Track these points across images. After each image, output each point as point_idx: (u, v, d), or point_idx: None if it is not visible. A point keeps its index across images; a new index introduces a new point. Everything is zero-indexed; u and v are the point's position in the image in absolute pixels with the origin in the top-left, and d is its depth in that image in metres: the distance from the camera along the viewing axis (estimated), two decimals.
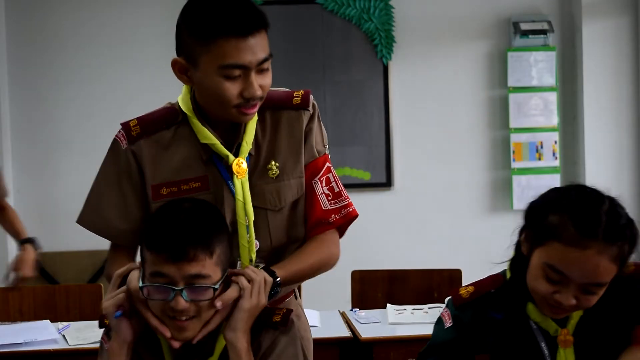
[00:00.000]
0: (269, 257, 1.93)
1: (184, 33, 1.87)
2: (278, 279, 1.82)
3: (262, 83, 1.82)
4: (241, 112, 1.83)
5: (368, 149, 4.87)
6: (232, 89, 1.80)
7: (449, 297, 1.94)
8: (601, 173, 4.83)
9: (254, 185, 1.90)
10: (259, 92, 1.81)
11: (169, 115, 1.94)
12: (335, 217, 1.97)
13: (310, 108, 1.97)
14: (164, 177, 1.90)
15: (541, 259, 1.69)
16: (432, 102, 4.94)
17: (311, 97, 1.99)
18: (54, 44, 4.82)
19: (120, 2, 4.84)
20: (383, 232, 4.88)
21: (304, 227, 1.99)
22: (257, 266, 1.86)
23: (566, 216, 1.66)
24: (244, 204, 1.87)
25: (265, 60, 1.82)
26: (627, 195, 4.87)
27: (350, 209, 1.99)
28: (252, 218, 1.89)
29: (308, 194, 1.97)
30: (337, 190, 1.99)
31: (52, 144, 4.82)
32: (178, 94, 1.98)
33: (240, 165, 1.88)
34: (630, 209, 5.19)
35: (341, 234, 2.02)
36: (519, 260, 1.79)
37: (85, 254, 3.32)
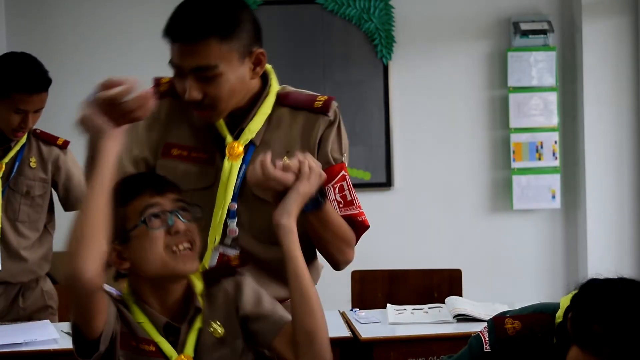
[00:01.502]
0: (244, 256, 1.96)
1: None
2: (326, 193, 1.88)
3: (207, 90, 1.86)
4: (197, 115, 1.94)
5: (368, 149, 4.87)
6: (178, 85, 1.91)
7: (492, 320, 1.88)
8: (601, 173, 4.83)
9: None
10: (187, 96, 1.86)
11: None
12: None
13: (331, 114, 1.99)
14: (179, 139, 1.98)
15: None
16: (432, 102, 4.94)
17: (334, 104, 2.01)
18: (54, 44, 4.82)
19: (120, 1, 4.84)
20: (383, 232, 4.88)
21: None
22: (230, 247, 1.95)
23: (610, 336, 1.59)
24: (227, 185, 1.92)
25: (201, 69, 1.85)
26: (627, 195, 4.88)
27: (361, 219, 2.01)
28: (228, 201, 1.93)
29: None
30: (349, 198, 2.00)
31: None
32: None
33: (234, 148, 1.94)
34: (630, 209, 5.20)
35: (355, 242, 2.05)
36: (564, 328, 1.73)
37: None
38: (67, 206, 3.24)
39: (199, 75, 1.86)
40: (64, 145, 3.21)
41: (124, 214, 1.76)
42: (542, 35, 4.83)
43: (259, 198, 1.87)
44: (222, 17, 1.85)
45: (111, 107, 1.72)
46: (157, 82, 2.07)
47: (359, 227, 2.02)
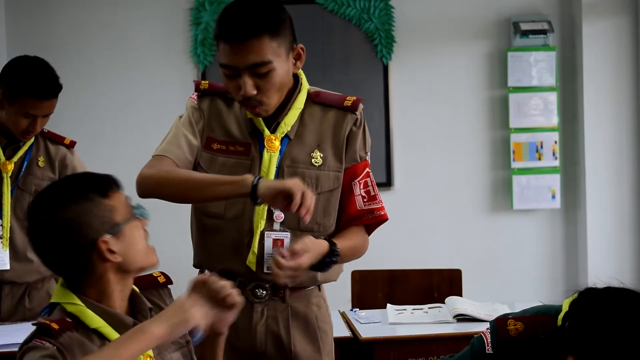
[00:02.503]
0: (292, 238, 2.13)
1: None
2: (337, 250, 2.09)
3: (261, 85, 2.05)
4: (249, 110, 2.13)
5: None
6: (230, 85, 2.08)
7: (494, 321, 1.89)
8: (601, 173, 4.83)
9: (295, 169, 2.15)
10: (243, 92, 2.04)
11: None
12: (368, 217, 2.21)
13: (358, 113, 2.20)
14: (220, 134, 2.18)
15: None
16: (432, 102, 4.94)
17: (361, 104, 2.22)
18: (54, 44, 4.82)
19: (119, 2, 4.84)
20: (383, 232, 4.86)
21: (336, 221, 2.22)
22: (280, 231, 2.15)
23: (603, 352, 1.60)
24: (267, 175, 2.11)
25: (257, 65, 2.03)
26: (627, 195, 4.88)
27: (382, 212, 2.22)
28: None
29: (346, 193, 2.19)
30: (372, 194, 2.21)
31: None
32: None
33: (272, 140, 2.14)
34: (630, 209, 5.20)
35: (369, 233, 2.27)
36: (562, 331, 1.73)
37: None
38: None
39: (253, 72, 2.03)
40: (71, 145, 3.24)
41: (109, 205, 1.73)
42: (542, 35, 4.83)
43: None
44: (269, 16, 2.04)
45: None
46: (198, 84, 2.25)
47: (379, 219, 2.23)
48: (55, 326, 1.67)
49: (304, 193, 1.93)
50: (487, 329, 1.88)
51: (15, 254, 3.11)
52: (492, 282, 4.86)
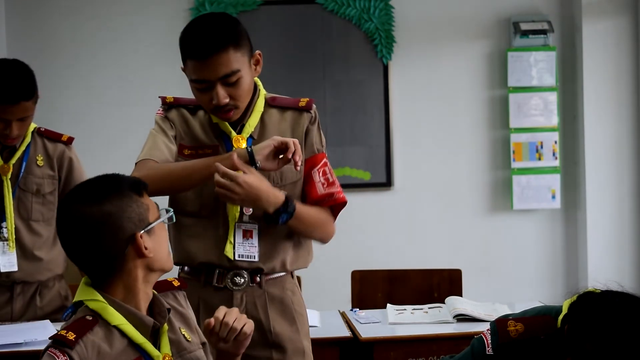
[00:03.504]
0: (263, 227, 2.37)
1: None
2: (293, 203, 2.29)
3: (232, 93, 2.30)
4: (220, 116, 2.35)
5: (368, 149, 4.87)
6: (202, 97, 2.32)
7: (494, 322, 1.89)
8: (601, 173, 4.83)
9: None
10: (216, 102, 2.28)
11: (194, 100, 2.43)
12: (329, 200, 2.42)
13: (312, 112, 2.45)
14: (188, 141, 2.41)
15: None
16: (432, 102, 4.94)
17: (314, 105, 2.46)
18: (54, 44, 4.82)
19: (119, 2, 4.84)
20: (383, 232, 4.88)
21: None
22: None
23: (600, 357, 1.61)
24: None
25: (227, 75, 2.27)
26: (627, 195, 4.88)
27: (341, 195, 2.43)
28: None
29: (308, 181, 2.42)
30: (331, 180, 2.43)
31: None
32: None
33: (239, 140, 2.37)
34: (630, 209, 5.21)
35: (334, 217, 2.46)
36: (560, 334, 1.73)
37: None
38: None
39: (224, 82, 2.27)
40: (69, 142, 3.23)
41: (144, 203, 1.81)
42: (542, 35, 4.83)
43: None
44: (230, 29, 2.28)
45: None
46: (164, 99, 2.49)
47: (339, 202, 2.43)
48: (71, 337, 1.72)
49: (294, 142, 2.24)
50: (488, 329, 1.87)
51: (23, 254, 3.12)
52: (492, 282, 4.86)
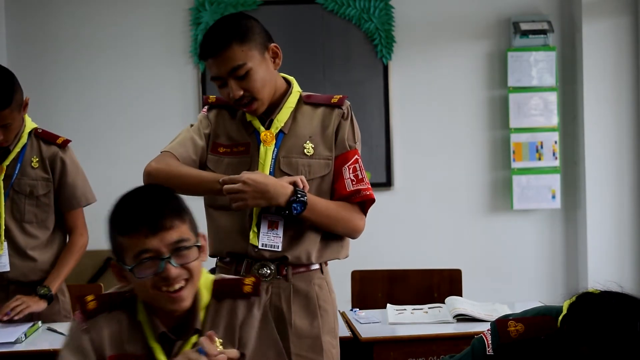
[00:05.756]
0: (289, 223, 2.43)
1: None
2: (302, 191, 2.34)
3: (245, 86, 2.38)
4: (245, 110, 2.45)
5: (368, 149, 4.86)
6: (223, 93, 2.43)
7: (495, 322, 1.89)
8: (601, 173, 4.84)
9: (290, 159, 2.45)
10: (232, 95, 2.38)
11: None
12: (356, 196, 2.47)
13: (344, 108, 2.51)
14: (224, 139, 2.51)
15: None
16: (432, 102, 4.94)
17: (347, 101, 2.53)
18: (54, 44, 4.83)
19: (120, 2, 4.84)
20: (383, 232, 4.88)
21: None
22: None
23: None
24: (264, 166, 2.42)
25: (234, 69, 2.37)
26: (627, 195, 4.88)
27: (368, 192, 2.48)
28: None
29: (337, 177, 2.47)
30: (360, 177, 2.48)
31: None
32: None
33: (267, 135, 2.45)
34: (630, 209, 5.18)
35: (364, 213, 2.51)
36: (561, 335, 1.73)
37: (86, 254, 3.31)
38: (58, 204, 3.21)
39: (235, 76, 2.37)
40: (64, 144, 3.19)
41: (123, 243, 1.79)
42: (542, 35, 4.83)
43: (287, 174, 2.41)
44: (235, 27, 2.39)
45: None
46: (206, 98, 2.61)
47: (367, 199, 2.48)
48: (91, 306, 1.86)
49: (301, 179, 2.36)
50: (488, 330, 1.87)
51: (17, 253, 3.11)
52: (492, 282, 4.86)
